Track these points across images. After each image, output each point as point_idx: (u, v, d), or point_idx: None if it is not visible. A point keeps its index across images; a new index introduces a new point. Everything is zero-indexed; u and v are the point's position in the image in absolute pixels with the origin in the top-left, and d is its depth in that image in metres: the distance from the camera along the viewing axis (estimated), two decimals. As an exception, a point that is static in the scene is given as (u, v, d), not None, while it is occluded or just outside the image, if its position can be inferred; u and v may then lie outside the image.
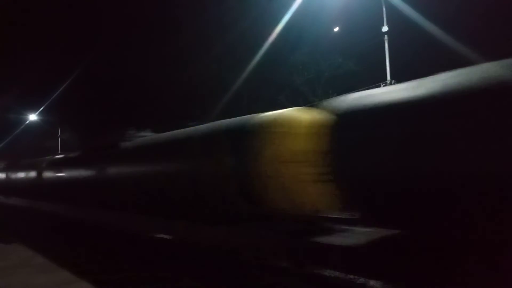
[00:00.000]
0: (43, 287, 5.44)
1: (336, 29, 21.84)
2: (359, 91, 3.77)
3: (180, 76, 23.90)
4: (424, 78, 3.22)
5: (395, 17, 16.48)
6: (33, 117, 33.92)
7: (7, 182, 16.42)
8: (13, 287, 5.44)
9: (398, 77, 14.90)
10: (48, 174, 11.71)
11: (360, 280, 3.58)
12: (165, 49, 25.77)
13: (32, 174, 13.15)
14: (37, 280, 5.74)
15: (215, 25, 22.88)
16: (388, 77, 16.02)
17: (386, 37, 16.57)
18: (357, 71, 18.91)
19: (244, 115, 5.42)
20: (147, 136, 8.07)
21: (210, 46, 22.96)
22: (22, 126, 35.95)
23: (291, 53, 20.11)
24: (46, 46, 31.55)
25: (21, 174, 14.53)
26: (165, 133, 7.26)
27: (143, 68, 26.37)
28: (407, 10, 16.27)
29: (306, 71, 19.53)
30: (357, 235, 3.75)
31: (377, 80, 16.47)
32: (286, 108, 4.82)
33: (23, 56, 33.65)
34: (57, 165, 11.50)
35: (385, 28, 16.56)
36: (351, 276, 3.72)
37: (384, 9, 16.48)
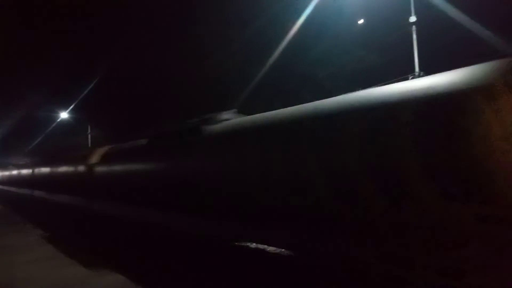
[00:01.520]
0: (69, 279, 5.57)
1: (361, 21, 21.29)
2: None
3: (202, 71, 24.05)
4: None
5: (422, 7, 15.83)
6: (64, 115, 35.17)
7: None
8: (44, 278, 5.60)
9: (426, 69, 14.36)
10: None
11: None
12: (187, 45, 25.98)
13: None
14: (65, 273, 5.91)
15: (237, 18, 22.83)
16: (417, 69, 15.46)
17: (414, 27, 15.97)
18: (382, 63, 18.37)
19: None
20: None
21: (232, 39, 22.95)
22: (54, 124, 37.45)
23: (314, 46, 19.80)
24: (74, 48, 32.58)
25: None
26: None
27: (167, 65, 26.71)
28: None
29: (329, 65, 19.17)
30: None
31: (403, 72, 15.92)
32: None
33: (53, 57, 34.93)
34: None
35: (413, 18, 15.96)
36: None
37: (411, -2, 15.88)
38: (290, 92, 19.67)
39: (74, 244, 8.23)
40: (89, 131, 34.06)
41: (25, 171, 20.72)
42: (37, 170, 17.23)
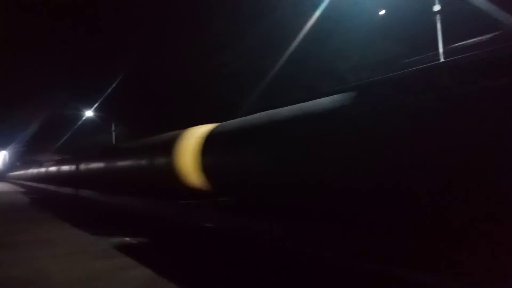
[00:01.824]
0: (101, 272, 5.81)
1: (382, 12, 20.87)
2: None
3: (220, 66, 24.14)
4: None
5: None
6: (89, 113, 36.10)
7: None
8: (74, 272, 5.85)
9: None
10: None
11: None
12: (203, 38, 26.10)
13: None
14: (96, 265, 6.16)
15: (252, 11, 22.73)
16: (442, 59, 15.14)
17: (438, 16, 15.61)
18: (406, 54, 17.99)
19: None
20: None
21: (247, 33, 22.92)
22: (80, 122, 38.57)
23: (334, 39, 19.56)
24: (97, 48, 33.29)
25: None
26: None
27: (185, 61, 26.97)
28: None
29: (350, 57, 18.91)
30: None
31: (428, 62, 15.59)
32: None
33: (76, 57, 35.85)
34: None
35: (437, 7, 15.61)
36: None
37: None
38: (311, 85, 19.51)
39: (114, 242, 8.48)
40: (113, 128, 34.91)
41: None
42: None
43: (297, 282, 4.94)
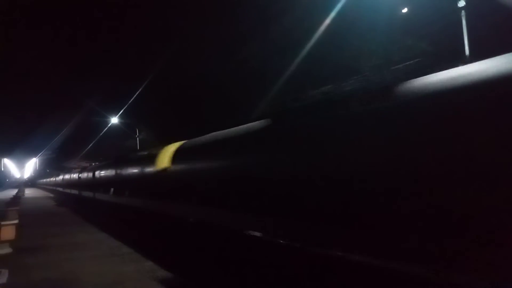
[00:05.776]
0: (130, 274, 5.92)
1: (405, 10, 20.47)
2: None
3: (240, 68, 24.14)
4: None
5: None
6: (114, 120, 36.90)
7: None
8: (104, 274, 5.98)
9: (477, 56, 13.52)
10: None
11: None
12: (223, 38, 26.17)
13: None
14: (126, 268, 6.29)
15: (271, 9, 22.64)
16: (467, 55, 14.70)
17: (463, 12, 15.21)
18: (431, 52, 17.56)
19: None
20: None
21: (266, 32, 22.82)
22: (105, 129, 39.54)
23: (357, 38, 19.28)
24: (120, 56, 34.15)
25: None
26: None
27: (208, 66, 27.22)
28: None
29: (373, 57, 18.59)
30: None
31: (454, 59, 15.18)
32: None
33: (102, 66, 36.91)
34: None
35: (461, 3, 15.21)
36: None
37: (459, -18, 15.10)
38: (335, 85, 19.30)
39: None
40: (137, 134, 35.60)
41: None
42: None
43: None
